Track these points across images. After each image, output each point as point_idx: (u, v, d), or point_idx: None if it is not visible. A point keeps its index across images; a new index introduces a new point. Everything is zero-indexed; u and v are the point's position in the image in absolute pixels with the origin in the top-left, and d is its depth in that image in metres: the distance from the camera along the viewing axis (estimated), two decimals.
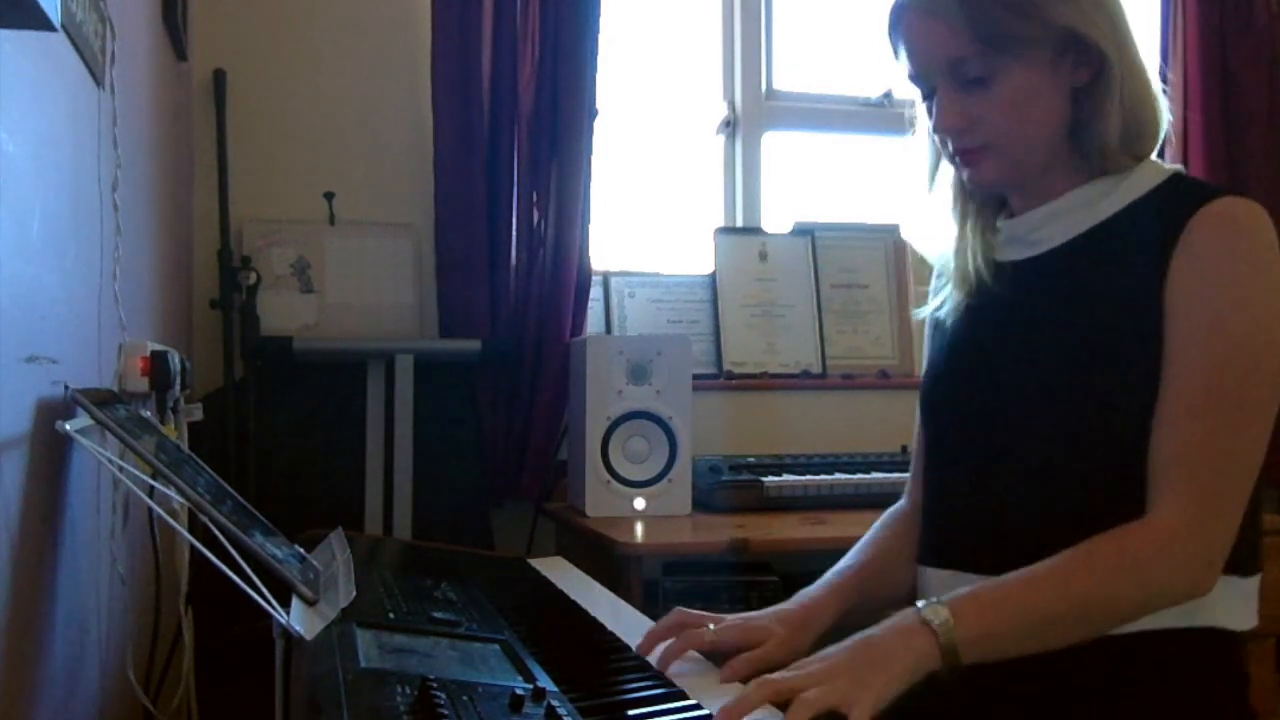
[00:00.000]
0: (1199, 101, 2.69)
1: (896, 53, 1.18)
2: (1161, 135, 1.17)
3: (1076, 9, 1.10)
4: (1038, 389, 1.13)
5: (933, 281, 1.33)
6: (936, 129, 1.17)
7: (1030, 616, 1.01)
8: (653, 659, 1.08)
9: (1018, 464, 1.14)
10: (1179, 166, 1.17)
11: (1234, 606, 1.09)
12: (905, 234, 1.34)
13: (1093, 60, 1.12)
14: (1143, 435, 1.07)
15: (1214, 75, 2.69)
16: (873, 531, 1.34)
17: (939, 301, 1.30)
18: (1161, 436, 1.05)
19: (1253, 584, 1.12)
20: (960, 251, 1.25)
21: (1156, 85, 1.16)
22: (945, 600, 1.00)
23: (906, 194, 1.32)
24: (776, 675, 0.93)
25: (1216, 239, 1.06)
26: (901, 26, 1.16)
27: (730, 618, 1.16)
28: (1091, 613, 1.04)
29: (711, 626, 1.12)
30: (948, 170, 1.26)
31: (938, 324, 1.30)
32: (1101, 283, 1.12)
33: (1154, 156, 1.17)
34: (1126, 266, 1.10)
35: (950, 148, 1.18)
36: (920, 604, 1.01)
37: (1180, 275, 1.06)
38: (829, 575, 1.26)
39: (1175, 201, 1.10)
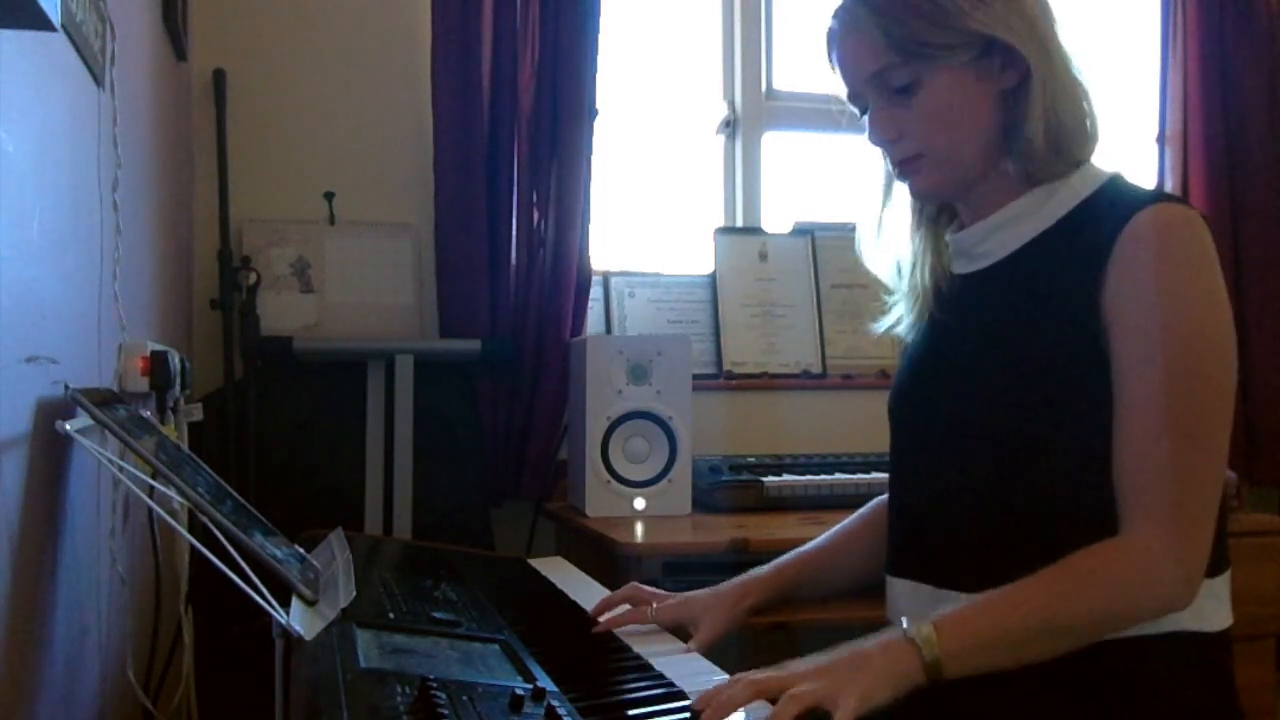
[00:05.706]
0: (1199, 101, 2.68)
1: (837, 74, 1.22)
2: (1095, 138, 1.17)
3: (991, 14, 1.11)
4: (984, 402, 1.14)
5: (891, 297, 1.35)
6: (872, 142, 1.20)
7: (1010, 633, 1.03)
8: (604, 620, 1.25)
9: (966, 477, 1.16)
10: (1115, 171, 1.17)
11: (1202, 609, 1.09)
12: (860, 252, 1.35)
13: (1018, 63, 1.13)
14: (1085, 446, 1.08)
15: (1214, 75, 2.69)
16: (848, 519, 1.39)
17: (895, 317, 1.32)
18: (1127, 457, 1.06)
19: (1221, 583, 1.12)
20: (913, 265, 1.28)
21: (1088, 88, 1.16)
22: (931, 618, 1.02)
23: (862, 211, 1.34)
24: (761, 674, 0.95)
25: (1148, 250, 1.06)
26: (832, 48, 1.20)
27: (675, 596, 1.30)
28: (1070, 630, 1.05)
29: (655, 606, 1.27)
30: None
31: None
32: (1041, 295, 1.13)
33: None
34: (1064, 278, 1.11)
35: (890, 161, 1.21)
36: (905, 621, 1.02)
37: (1116, 289, 1.07)
38: (784, 556, 1.37)
39: (1108, 210, 1.11)
